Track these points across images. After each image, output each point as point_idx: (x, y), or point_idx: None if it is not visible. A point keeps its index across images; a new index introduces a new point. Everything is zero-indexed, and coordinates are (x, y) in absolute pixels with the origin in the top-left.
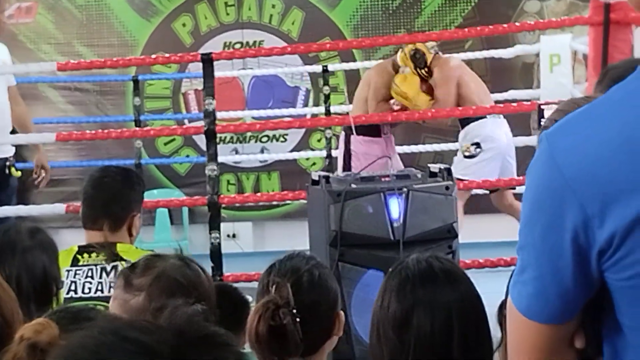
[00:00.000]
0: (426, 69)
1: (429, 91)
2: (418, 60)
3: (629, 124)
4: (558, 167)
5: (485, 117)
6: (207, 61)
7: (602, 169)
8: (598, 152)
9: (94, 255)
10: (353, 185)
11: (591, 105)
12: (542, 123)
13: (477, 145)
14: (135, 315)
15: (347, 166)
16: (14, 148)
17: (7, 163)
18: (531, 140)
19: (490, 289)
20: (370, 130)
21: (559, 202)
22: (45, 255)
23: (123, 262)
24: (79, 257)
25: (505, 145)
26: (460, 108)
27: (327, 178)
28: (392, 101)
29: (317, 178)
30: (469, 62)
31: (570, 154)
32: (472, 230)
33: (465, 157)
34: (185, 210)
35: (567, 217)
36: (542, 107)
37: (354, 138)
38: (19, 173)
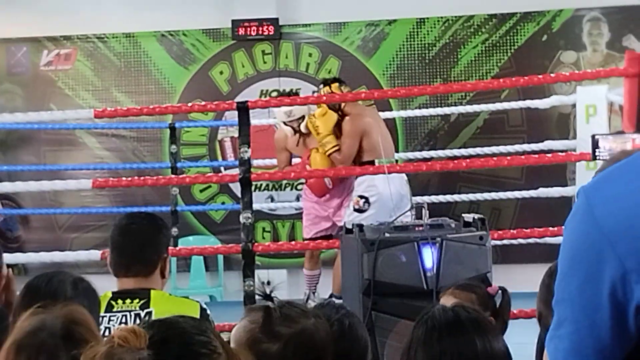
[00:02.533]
0: (340, 112)
1: (338, 136)
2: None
3: None
4: (596, 220)
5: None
6: (243, 109)
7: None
8: (636, 206)
9: (127, 301)
10: (387, 235)
11: (629, 160)
12: (597, 154)
13: (366, 200)
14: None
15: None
16: None
17: None
18: (566, 190)
19: (524, 340)
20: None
21: (597, 255)
22: (87, 304)
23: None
24: (113, 303)
25: (387, 198)
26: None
27: (360, 227)
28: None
29: (350, 227)
30: (505, 112)
31: (609, 208)
32: (505, 280)
33: (355, 210)
34: (220, 257)
35: (604, 271)
36: (596, 137)
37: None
38: None
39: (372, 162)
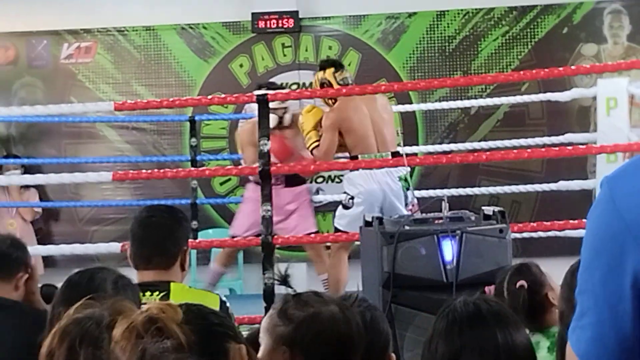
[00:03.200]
0: (332, 100)
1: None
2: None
3: None
4: (619, 211)
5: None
6: (263, 102)
7: None
8: None
9: (147, 294)
10: (406, 227)
11: None
12: None
13: (351, 197)
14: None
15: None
16: None
17: None
18: (587, 184)
19: None
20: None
21: (619, 246)
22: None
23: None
24: None
25: (378, 193)
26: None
27: (380, 219)
28: None
29: (370, 219)
30: (525, 105)
31: (632, 199)
32: None
33: (343, 206)
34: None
35: (627, 261)
36: None
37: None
38: None
39: (355, 158)
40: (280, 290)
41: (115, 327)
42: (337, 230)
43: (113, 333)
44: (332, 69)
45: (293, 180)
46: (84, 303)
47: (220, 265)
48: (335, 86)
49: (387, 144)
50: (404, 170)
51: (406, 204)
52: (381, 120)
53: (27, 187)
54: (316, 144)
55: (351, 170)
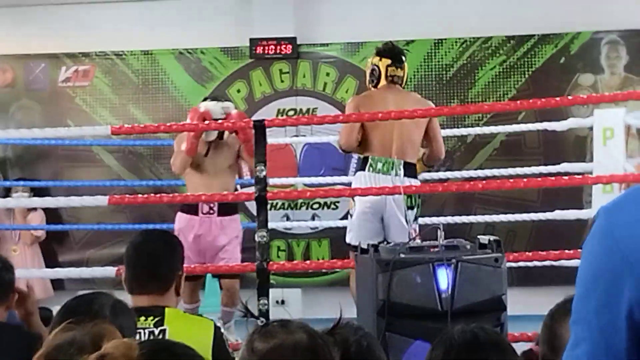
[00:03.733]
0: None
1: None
2: (371, 77)
3: None
4: (615, 241)
5: (363, 169)
6: (259, 128)
7: None
8: None
9: (142, 319)
10: (402, 255)
11: None
12: None
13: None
14: None
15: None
16: None
17: None
18: (582, 213)
19: None
20: (190, 207)
21: (615, 277)
22: (126, 326)
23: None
24: None
25: (380, 201)
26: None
27: (375, 247)
28: None
29: (366, 247)
30: (522, 134)
31: (628, 229)
32: (522, 302)
33: (350, 215)
34: None
35: (623, 292)
36: None
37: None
38: None
39: (365, 159)
40: (277, 314)
41: None
42: (349, 245)
43: None
44: (389, 62)
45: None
46: (64, 327)
47: (190, 303)
48: (383, 80)
49: (406, 151)
50: (417, 183)
51: (406, 221)
52: (409, 123)
53: (32, 210)
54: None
55: (355, 172)
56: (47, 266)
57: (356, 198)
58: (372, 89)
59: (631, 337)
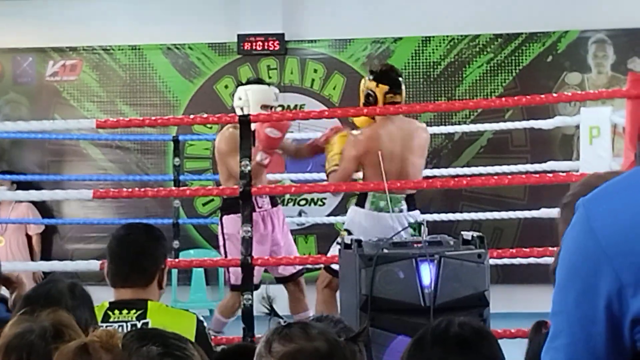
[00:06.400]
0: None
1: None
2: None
3: None
4: (594, 234)
5: (362, 206)
6: (245, 123)
7: (636, 237)
8: (633, 220)
9: (124, 312)
10: (385, 250)
11: (630, 173)
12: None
13: (349, 233)
14: None
15: (224, 253)
16: None
17: None
18: None
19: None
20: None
21: (594, 268)
22: (87, 311)
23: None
24: (110, 313)
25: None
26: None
27: (359, 242)
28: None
29: (349, 242)
30: (508, 132)
31: (607, 221)
32: (505, 300)
33: (345, 245)
34: (221, 270)
35: (601, 284)
36: None
37: (225, 219)
38: None
39: (364, 196)
40: (259, 311)
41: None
42: (331, 270)
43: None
44: (387, 88)
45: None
46: (18, 319)
47: (224, 316)
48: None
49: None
50: (419, 216)
51: None
52: (409, 153)
53: (19, 202)
54: (335, 167)
55: (356, 205)
56: (42, 259)
57: (355, 230)
58: (372, 121)
59: (609, 329)
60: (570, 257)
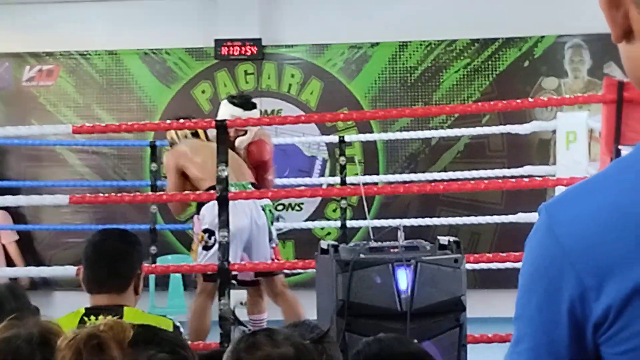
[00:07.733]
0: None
1: None
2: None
3: (624, 196)
4: (556, 238)
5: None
6: (221, 128)
7: (598, 241)
8: (595, 224)
9: (100, 317)
10: (362, 255)
11: (591, 178)
12: None
13: (211, 233)
14: None
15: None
16: None
17: None
18: None
19: None
20: None
21: (557, 273)
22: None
23: None
24: (86, 319)
25: (247, 229)
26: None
27: (335, 247)
28: None
29: (326, 247)
30: (485, 137)
31: (569, 226)
32: (482, 304)
33: (203, 248)
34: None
35: (564, 288)
36: (619, 148)
37: (203, 210)
38: None
39: (213, 187)
40: (239, 315)
41: (62, 337)
42: (207, 277)
43: (58, 343)
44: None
45: None
46: (7, 324)
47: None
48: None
49: (245, 174)
50: (268, 200)
51: (270, 239)
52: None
53: None
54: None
55: (208, 201)
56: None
57: (210, 217)
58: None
59: (572, 333)
60: (534, 262)
